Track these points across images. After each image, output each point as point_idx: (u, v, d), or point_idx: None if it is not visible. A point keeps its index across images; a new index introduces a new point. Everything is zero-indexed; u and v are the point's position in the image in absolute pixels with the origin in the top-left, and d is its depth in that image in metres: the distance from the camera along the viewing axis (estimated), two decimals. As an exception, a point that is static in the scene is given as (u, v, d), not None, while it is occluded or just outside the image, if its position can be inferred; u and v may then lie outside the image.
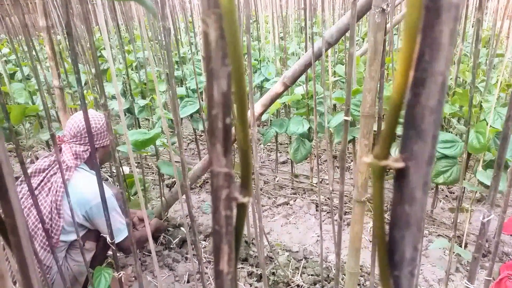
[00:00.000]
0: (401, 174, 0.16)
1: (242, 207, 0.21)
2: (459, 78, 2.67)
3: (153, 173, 3.01)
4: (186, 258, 2.02)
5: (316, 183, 2.69)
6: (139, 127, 2.58)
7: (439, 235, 2.14)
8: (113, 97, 2.77)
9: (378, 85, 1.23)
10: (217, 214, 0.20)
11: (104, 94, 1.01)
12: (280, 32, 3.95)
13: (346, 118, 0.90)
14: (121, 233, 1.63)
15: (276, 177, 2.83)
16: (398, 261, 0.18)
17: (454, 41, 0.13)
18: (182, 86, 2.67)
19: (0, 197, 0.20)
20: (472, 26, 4.24)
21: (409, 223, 0.16)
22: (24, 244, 0.22)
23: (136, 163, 3.11)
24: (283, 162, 3.06)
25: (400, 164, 0.15)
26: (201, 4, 0.16)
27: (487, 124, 1.92)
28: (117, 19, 4.03)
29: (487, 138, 1.91)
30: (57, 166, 1.50)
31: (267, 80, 2.79)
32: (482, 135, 1.92)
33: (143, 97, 2.54)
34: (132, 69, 3.21)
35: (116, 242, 1.56)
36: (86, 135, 1.53)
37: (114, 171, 2.54)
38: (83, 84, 1.27)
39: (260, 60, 3.14)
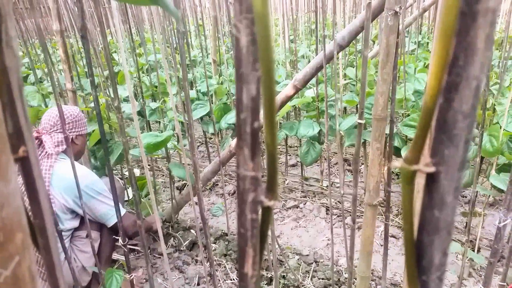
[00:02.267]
0: (431, 179, 0.16)
1: (267, 211, 0.21)
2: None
3: (163, 175, 3.02)
4: (196, 261, 2.03)
5: (326, 186, 2.67)
6: (150, 129, 2.59)
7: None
8: (125, 100, 2.79)
9: (390, 88, 1.23)
10: (242, 217, 0.20)
11: (117, 96, 1.02)
12: (290, 35, 3.95)
13: (360, 121, 0.90)
14: (114, 216, 1.65)
15: (286, 180, 2.82)
16: (426, 266, 0.17)
17: (490, 46, 0.13)
18: (192, 89, 2.68)
19: (30, 199, 0.20)
20: (484, 28, 4.18)
21: (439, 228, 0.16)
22: (52, 245, 0.22)
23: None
24: (293, 165, 3.06)
25: (431, 169, 0.15)
26: (234, 9, 0.16)
27: (500, 128, 1.90)
28: (129, 21, 4.06)
29: (501, 142, 1.88)
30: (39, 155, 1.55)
31: (277, 83, 2.79)
32: (495, 138, 1.90)
33: (154, 100, 2.55)
34: (143, 72, 3.24)
35: (111, 225, 1.66)
36: (67, 122, 1.62)
37: (126, 173, 2.57)
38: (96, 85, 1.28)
39: (270, 63, 3.14)
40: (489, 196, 2.20)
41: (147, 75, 2.77)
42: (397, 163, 0.16)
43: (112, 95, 1.18)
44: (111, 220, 1.66)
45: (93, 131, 2.02)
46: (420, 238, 0.17)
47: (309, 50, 3.37)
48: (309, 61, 3.19)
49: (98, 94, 2.17)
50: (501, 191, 1.87)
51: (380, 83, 1.20)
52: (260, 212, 0.21)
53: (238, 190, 0.20)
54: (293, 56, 2.87)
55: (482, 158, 2.09)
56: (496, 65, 3.25)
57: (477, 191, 2.17)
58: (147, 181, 1.49)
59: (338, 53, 1.52)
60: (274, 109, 0.18)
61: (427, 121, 0.15)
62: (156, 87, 2.71)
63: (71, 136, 1.66)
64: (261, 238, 0.21)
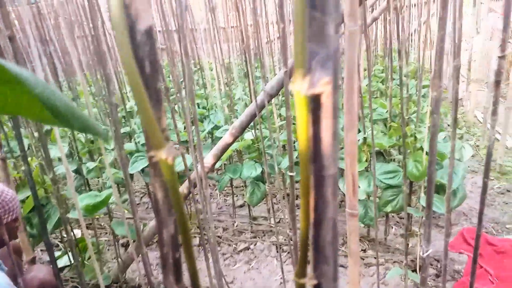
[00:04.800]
0: None
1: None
2: (394, 110, 2.88)
3: (106, 233, 2.89)
4: (149, 321, 1.94)
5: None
6: (89, 186, 2.50)
7: (395, 262, 2.23)
8: (60, 159, 2.68)
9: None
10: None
11: (52, 168, 1.00)
12: (225, 78, 4.08)
13: (291, 174, 0.96)
14: None
15: (235, 222, 2.83)
16: None
17: (336, 194, 0.18)
18: (131, 142, 2.65)
19: None
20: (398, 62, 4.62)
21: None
22: None
23: (87, 224, 2.98)
24: (241, 206, 3.08)
25: (314, 282, 0.20)
26: (150, 172, 0.21)
27: (423, 152, 2.09)
28: (58, 75, 3.95)
29: (425, 166, 2.07)
30: None
31: (217, 127, 2.85)
32: (419, 163, 2.08)
33: (91, 157, 2.49)
34: (77, 127, 3.14)
35: None
36: None
37: (65, 235, 2.43)
38: (25, 148, 1.24)
39: (208, 108, 3.21)
40: (423, 216, 2.37)
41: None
42: (292, 277, 0.20)
43: (45, 163, 1.15)
44: None
45: (27, 197, 1.92)
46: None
47: (245, 94, 3.49)
48: (245, 104, 3.30)
49: (30, 158, 2.07)
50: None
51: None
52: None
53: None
54: (229, 101, 2.96)
55: (411, 182, 2.26)
56: (414, 94, 3.58)
57: (409, 214, 2.34)
58: (87, 244, 1.44)
59: (269, 101, 1.62)
60: (190, 241, 0.22)
61: (305, 247, 0.19)
62: (92, 142, 2.64)
63: None
64: None
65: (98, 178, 2.39)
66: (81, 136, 2.60)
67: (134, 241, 1.73)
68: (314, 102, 0.16)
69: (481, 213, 0.92)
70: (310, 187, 0.18)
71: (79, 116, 0.29)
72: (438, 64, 0.67)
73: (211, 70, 4.69)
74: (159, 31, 5.86)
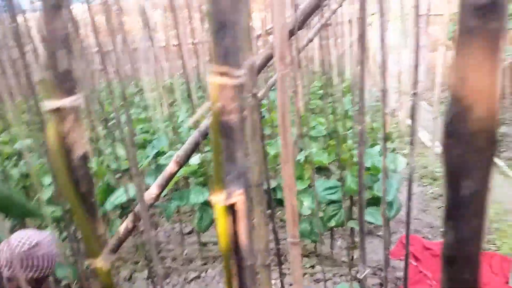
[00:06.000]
0: None
1: None
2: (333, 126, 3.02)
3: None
4: None
5: (224, 247, 2.71)
6: (24, 225, 2.34)
7: (341, 275, 2.32)
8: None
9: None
10: None
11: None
12: (168, 100, 4.03)
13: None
14: None
15: (184, 250, 2.78)
16: None
17: (255, 280, 0.21)
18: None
19: None
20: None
21: None
22: None
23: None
24: (189, 232, 3.03)
25: None
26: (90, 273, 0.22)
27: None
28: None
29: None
30: None
31: (161, 153, 2.80)
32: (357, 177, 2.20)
33: (27, 194, 2.34)
34: (10, 160, 2.95)
35: None
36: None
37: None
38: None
39: (151, 133, 3.16)
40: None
41: (15, 166, 2.54)
42: None
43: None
44: None
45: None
46: None
47: (188, 116, 3.48)
48: (189, 128, 3.28)
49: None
50: (369, 223, 2.17)
51: (252, 155, 1.33)
52: None
53: None
54: (173, 123, 2.93)
55: (351, 196, 2.38)
56: (350, 110, 3.78)
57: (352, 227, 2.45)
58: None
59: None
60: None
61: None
62: (27, 176, 2.49)
63: None
64: None
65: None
66: (15, 172, 2.45)
67: (75, 283, 1.65)
68: (231, 208, 0.19)
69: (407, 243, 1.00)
70: (233, 275, 0.21)
71: (18, 204, 0.30)
72: (361, 103, 0.74)
73: (153, 92, 4.62)
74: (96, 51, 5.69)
